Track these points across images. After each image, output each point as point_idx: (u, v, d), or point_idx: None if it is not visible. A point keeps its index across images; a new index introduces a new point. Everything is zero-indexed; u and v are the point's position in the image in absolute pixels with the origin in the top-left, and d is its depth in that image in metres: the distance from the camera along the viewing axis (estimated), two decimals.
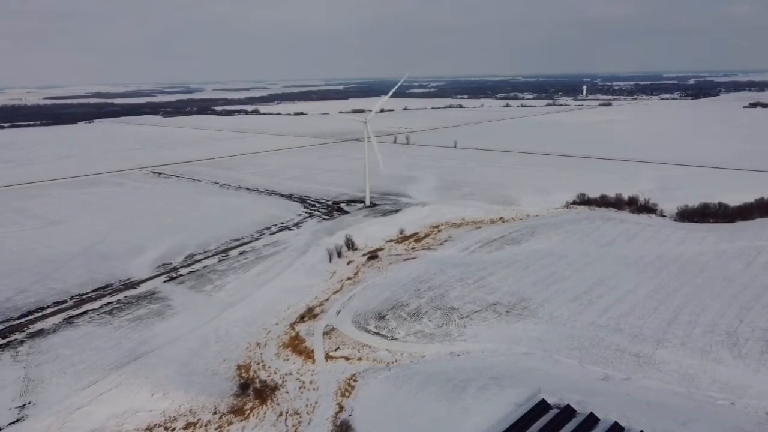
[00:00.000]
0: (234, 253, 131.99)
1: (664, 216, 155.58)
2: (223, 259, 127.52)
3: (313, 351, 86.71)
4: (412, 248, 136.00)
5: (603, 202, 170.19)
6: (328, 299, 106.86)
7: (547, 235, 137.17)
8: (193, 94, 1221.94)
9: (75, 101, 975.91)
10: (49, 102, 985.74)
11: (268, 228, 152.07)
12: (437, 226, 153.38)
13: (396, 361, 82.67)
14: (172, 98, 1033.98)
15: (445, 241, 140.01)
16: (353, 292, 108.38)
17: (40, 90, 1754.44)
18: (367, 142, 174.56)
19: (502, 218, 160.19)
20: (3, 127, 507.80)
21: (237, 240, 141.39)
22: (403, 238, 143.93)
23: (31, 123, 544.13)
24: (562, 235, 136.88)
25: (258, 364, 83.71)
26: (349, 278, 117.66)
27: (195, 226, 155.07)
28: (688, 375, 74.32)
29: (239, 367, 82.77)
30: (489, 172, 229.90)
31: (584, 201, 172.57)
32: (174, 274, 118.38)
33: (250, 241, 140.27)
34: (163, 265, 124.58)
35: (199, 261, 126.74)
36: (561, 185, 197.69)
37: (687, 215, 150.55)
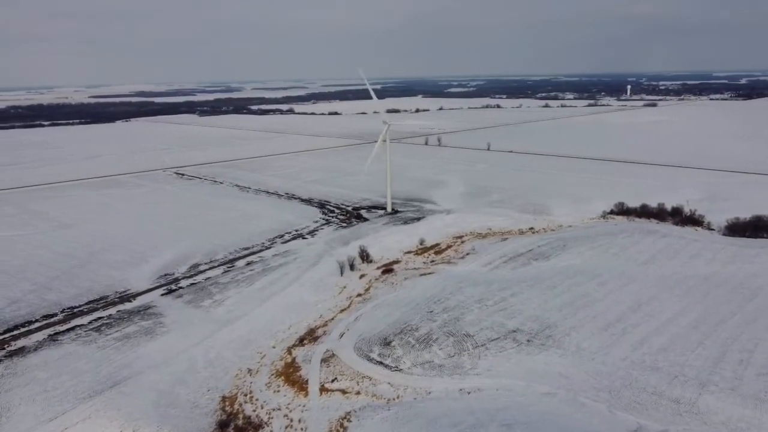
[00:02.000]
0: (241, 263, 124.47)
1: (712, 229, 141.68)
2: (228, 270, 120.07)
3: (307, 381, 77.99)
4: (431, 261, 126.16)
5: (644, 212, 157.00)
6: (333, 319, 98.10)
7: (579, 250, 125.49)
8: (232, 93, 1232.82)
9: (117, 100, 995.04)
10: (92, 101, 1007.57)
11: (281, 236, 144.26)
12: (461, 237, 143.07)
13: (398, 397, 73.21)
14: (211, 97, 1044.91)
15: (468, 253, 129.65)
16: (361, 311, 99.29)
17: (87, 89, 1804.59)
18: (388, 145, 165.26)
19: (532, 229, 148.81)
20: (43, 125, 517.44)
21: (246, 249, 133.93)
22: (422, 250, 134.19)
23: (71, 122, 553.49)
24: (596, 250, 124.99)
25: (245, 395, 75.43)
26: (359, 294, 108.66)
27: (206, 232, 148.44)
28: (738, 430, 62.79)
29: (224, 399, 74.68)
30: (521, 177, 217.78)
31: (623, 211, 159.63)
32: (173, 287, 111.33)
33: (260, 251, 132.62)
34: (165, 275, 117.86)
35: (202, 272, 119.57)
36: (598, 192, 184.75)
37: (738, 229, 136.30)
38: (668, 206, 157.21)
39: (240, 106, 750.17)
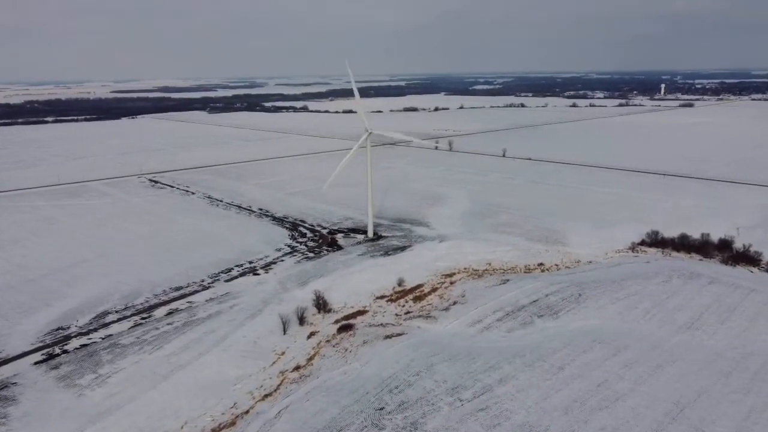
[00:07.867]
0: (161, 311, 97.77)
1: None
2: (140, 323, 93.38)
3: None
4: (406, 313, 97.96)
5: (683, 244, 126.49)
6: (248, 411, 70.76)
7: (598, 303, 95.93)
8: (252, 89, 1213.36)
9: (136, 95, 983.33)
10: (111, 96, 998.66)
11: (230, 270, 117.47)
12: (451, 275, 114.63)
13: None
14: (230, 93, 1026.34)
15: (455, 302, 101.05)
16: (288, 401, 71.62)
17: (115, 83, 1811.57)
18: (369, 156, 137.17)
19: (541, 265, 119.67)
20: (46, 122, 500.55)
21: (178, 289, 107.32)
22: (399, 294, 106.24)
23: (76, 118, 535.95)
24: (621, 304, 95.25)
25: None
26: (298, 368, 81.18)
27: (142, 262, 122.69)
28: None
29: None
30: (537, 192, 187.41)
31: (657, 241, 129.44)
32: (58, 349, 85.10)
33: (194, 292, 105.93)
34: (58, 329, 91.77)
35: (107, 325, 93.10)
36: (627, 214, 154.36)
37: None
38: (714, 236, 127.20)
39: (254, 103, 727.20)
